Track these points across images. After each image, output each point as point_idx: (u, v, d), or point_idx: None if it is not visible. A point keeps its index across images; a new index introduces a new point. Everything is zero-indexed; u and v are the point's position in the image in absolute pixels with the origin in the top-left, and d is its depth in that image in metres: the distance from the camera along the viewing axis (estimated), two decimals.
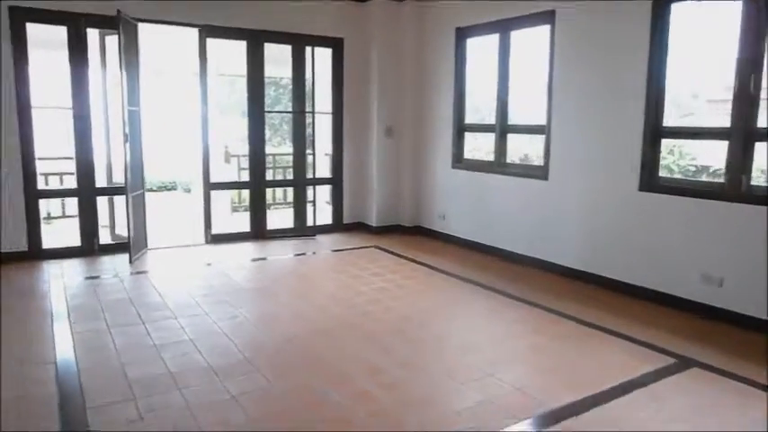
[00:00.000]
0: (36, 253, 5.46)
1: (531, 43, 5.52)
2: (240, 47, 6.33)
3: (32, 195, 5.42)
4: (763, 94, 3.77)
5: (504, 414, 2.77)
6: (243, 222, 6.80)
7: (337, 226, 7.18)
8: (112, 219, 6.21)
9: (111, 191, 6.05)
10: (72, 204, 6.57)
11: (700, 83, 5.04)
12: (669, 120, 4.43)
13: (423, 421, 2.71)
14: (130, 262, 5.43)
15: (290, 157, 7.17)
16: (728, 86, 3.93)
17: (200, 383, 3.01)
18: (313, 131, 6.84)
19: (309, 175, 6.91)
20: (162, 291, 4.62)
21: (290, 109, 6.83)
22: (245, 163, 7.43)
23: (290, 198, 7.62)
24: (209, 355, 3.36)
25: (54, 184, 7.65)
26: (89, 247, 5.73)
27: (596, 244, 4.90)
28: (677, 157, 5.85)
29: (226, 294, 4.55)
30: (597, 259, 4.89)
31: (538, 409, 2.81)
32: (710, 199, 4.06)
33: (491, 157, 6.01)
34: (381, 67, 6.81)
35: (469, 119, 6.42)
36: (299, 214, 6.91)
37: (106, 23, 5.46)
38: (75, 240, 5.73)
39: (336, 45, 6.82)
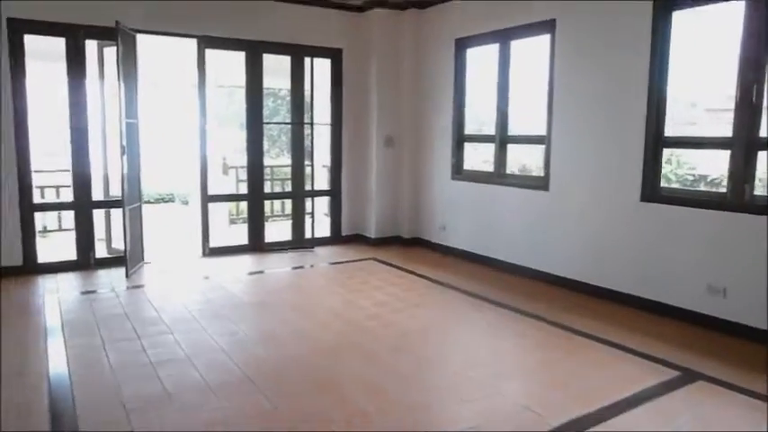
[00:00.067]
0: (31, 267, 5.39)
1: (532, 53, 5.50)
2: (239, 58, 6.32)
3: (28, 209, 5.36)
4: (765, 103, 3.74)
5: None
6: (241, 235, 6.74)
7: (336, 238, 7.12)
8: (109, 232, 6.14)
9: (108, 204, 5.99)
10: (68, 217, 6.51)
11: (701, 92, 5.01)
12: (669, 129, 4.39)
13: None
14: (127, 276, 5.36)
15: (289, 169, 7.13)
16: (730, 96, 3.90)
17: (198, 403, 2.94)
18: (312, 143, 6.80)
19: (308, 187, 6.86)
20: (158, 305, 4.55)
21: (289, 120, 6.80)
22: (243, 175, 7.39)
23: (289, 210, 7.58)
24: (207, 373, 3.29)
25: (50, 196, 7.59)
26: (85, 261, 5.67)
27: (598, 255, 4.84)
28: (675, 167, 5.82)
29: (224, 309, 4.48)
30: (599, 270, 4.84)
31: (545, 426, 2.74)
32: (713, 209, 4.02)
33: (491, 168, 5.97)
34: (380, 77, 6.79)
35: (469, 129, 6.39)
36: (298, 226, 6.86)
37: (105, 35, 5.44)
38: (71, 254, 5.66)
39: (335, 56, 6.80)
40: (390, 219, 7.06)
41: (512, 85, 5.71)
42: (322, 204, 7.87)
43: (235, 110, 10.35)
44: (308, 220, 6.85)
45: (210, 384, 3.15)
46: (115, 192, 5.88)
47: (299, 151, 6.78)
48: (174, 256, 6.21)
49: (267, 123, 6.83)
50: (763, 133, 3.78)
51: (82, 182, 5.62)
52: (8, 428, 2.65)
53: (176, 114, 10.72)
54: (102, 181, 6.09)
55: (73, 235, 5.75)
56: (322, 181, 7.60)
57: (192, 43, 6.02)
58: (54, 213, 7.46)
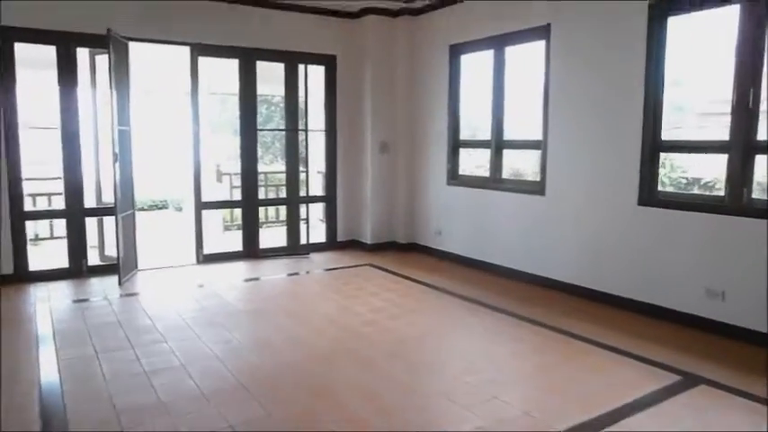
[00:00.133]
0: (22, 275, 5.32)
1: (527, 59, 5.50)
2: (232, 65, 6.28)
3: (19, 217, 5.29)
4: (762, 107, 3.74)
5: None
6: (235, 241, 6.69)
7: (331, 244, 7.08)
8: (102, 239, 6.08)
9: (101, 211, 5.93)
10: (60, 225, 6.44)
11: (698, 96, 5.01)
12: (666, 133, 4.39)
13: None
14: (120, 284, 5.29)
15: (283, 175, 7.09)
16: (727, 100, 3.90)
17: (193, 412, 2.88)
18: (306, 149, 6.77)
19: (302, 193, 6.82)
20: (152, 313, 4.49)
21: (283, 127, 6.77)
22: (237, 181, 7.34)
23: (283, 216, 7.53)
24: (202, 382, 3.23)
25: (42, 204, 7.52)
26: (77, 269, 5.60)
27: (596, 259, 4.82)
28: (668, 170, 5.82)
29: (218, 316, 4.43)
30: (596, 274, 4.81)
31: None
32: (711, 213, 4.01)
33: (487, 173, 5.95)
34: (375, 84, 6.78)
35: (464, 135, 6.38)
36: (293, 233, 6.81)
37: (96, 42, 5.39)
38: (63, 262, 5.60)
39: (329, 62, 6.79)
40: (386, 224, 7.02)
41: (507, 91, 5.70)
42: (317, 210, 7.82)
43: (228, 117, 10.32)
44: (303, 226, 6.80)
45: (205, 392, 3.09)
46: (108, 199, 5.82)
47: (294, 158, 6.74)
48: (167, 264, 6.14)
49: (261, 130, 6.78)
50: (760, 137, 3.78)
51: (74, 189, 5.56)
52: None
53: (170, 121, 10.67)
54: (95, 188, 6.03)
55: (65, 243, 5.68)
56: (317, 187, 7.56)
57: (185, 51, 5.99)
58: (46, 221, 7.38)
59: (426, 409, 3.00)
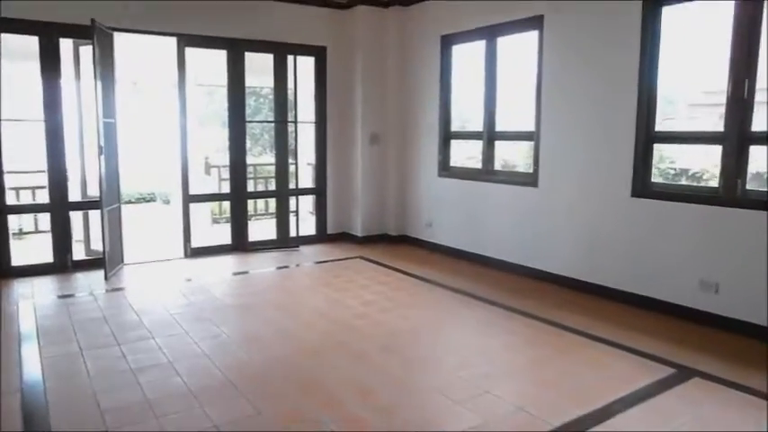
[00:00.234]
0: (5, 271, 5.21)
1: (519, 49, 5.44)
2: (220, 56, 6.17)
3: (1, 211, 5.17)
4: (756, 98, 3.70)
5: None
6: (224, 234, 6.59)
7: (321, 236, 7.01)
8: (87, 234, 5.96)
9: (86, 205, 5.82)
10: (45, 219, 6.31)
11: (692, 87, 4.98)
12: (659, 124, 4.35)
13: None
14: (106, 278, 5.19)
15: (272, 167, 7.00)
16: (721, 91, 3.86)
17: (180, 411, 2.81)
18: (296, 141, 6.67)
19: (292, 186, 6.73)
20: (139, 309, 4.40)
21: (272, 118, 6.68)
22: (226, 173, 7.25)
23: (273, 209, 7.45)
24: (190, 379, 3.16)
25: (26, 198, 7.38)
26: (62, 264, 5.48)
27: (589, 251, 4.79)
28: (657, 161, 5.81)
29: (206, 311, 4.35)
30: (590, 267, 4.78)
31: (541, 427, 2.66)
32: (705, 204, 3.98)
33: (479, 165, 5.90)
34: (365, 75, 6.69)
35: (456, 126, 6.32)
36: (282, 225, 6.73)
37: (80, 33, 5.25)
38: (47, 257, 5.48)
39: (319, 53, 6.69)
40: (377, 216, 6.96)
41: (499, 82, 5.63)
42: (307, 203, 7.75)
43: (216, 109, 10.20)
44: (292, 218, 6.72)
45: (192, 390, 3.02)
46: (93, 192, 5.71)
47: (283, 149, 6.65)
48: (154, 258, 6.04)
49: (250, 122, 6.69)
50: (754, 128, 3.74)
51: (58, 183, 5.44)
52: None
53: (157, 113, 10.52)
54: (80, 181, 5.90)
55: (49, 237, 5.56)
56: (307, 179, 7.49)
57: (171, 42, 5.86)
58: (30, 215, 7.25)
59: (420, 404, 2.94)
